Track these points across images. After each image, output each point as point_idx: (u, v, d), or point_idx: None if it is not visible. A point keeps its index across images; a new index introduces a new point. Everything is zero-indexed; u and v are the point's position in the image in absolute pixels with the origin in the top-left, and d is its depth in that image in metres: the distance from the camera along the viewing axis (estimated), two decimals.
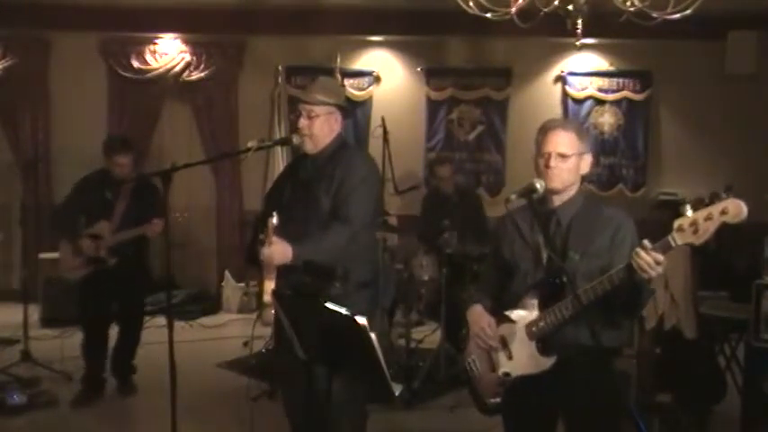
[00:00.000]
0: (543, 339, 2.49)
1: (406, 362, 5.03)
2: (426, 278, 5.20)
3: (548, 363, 2.47)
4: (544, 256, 2.54)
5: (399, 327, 5.54)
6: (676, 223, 2.16)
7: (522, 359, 2.55)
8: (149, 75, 7.30)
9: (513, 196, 2.52)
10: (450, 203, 5.64)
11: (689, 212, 2.15)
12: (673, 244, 2.19)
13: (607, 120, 7.14)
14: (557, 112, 7.19)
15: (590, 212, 2.56)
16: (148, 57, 7.32)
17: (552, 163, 2.51)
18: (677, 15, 3.83)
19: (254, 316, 5.97)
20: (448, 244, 4.92)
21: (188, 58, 7.30)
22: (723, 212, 2.08)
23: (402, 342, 5.27)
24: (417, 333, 5.67)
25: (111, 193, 4.63)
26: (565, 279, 2.43)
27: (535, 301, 2.51)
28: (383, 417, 4.15)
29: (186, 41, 7.31)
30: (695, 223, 2.13)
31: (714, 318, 4.03)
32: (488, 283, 2.80)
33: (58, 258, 4.79)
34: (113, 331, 4.79)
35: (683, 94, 7.03)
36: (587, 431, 2.54)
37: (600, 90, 7.13)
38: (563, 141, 2.52)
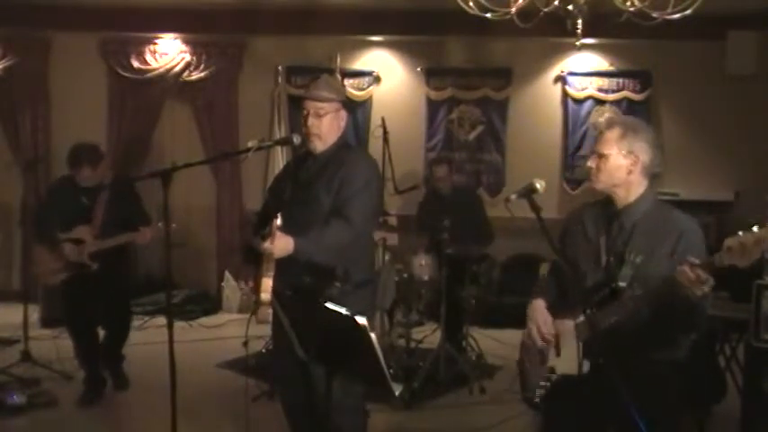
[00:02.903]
0: (588, 342, 2.47)
1: (406, 362, 5.04)
2: (426, 278, 5.20)
3: (586, 366, 2.46)
4: (603, 258, 2.54)
5: (399, 327, 5.53)
6: (726, 243, 2.12)
7: (567, 358, 2.55)
8: (149, 75, 7.30)
9: (514, 196, 2.53)
10: (448, 204, 5.63)
11: (737, 236, 2.12)
12: (717, 264, 2.15)
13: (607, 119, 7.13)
14: (557, 112, 7.19)
15: (657, 216, 2.52)
16: (148, 57, 7.31)
17: (590, 162, 2.57)
18: (677, 15, 3.82)
19: (249, 316, 5.96)
20: (447, 244, 4.92)
21: (188, 58, 7.29)
22: None
23: (402, 342, 5.27)
24: (417, 333, 5.67)
25: (88, 198, 4.58)
26: (621, 284, 2.42)
27: (587, 302, 2.50)
28: (383, 417, 4.15)
29: (186, 41, 7.30)
30: (744, 246, 2.09)
31: (714, 318, 4.02)
32: (554, 279, 2.80)
33: (36, 261, 4.74)
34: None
35: (683, 94, 7.02)
36: None
37: (600, 90, 7.12)
38: (602, 141, 2.56)
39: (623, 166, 2.51)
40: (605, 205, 2.62)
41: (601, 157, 2.53)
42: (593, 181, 2.57)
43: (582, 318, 2.50)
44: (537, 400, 2.66)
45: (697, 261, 2.17)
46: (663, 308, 2.32)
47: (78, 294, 4.60)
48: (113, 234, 4.50)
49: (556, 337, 2.61)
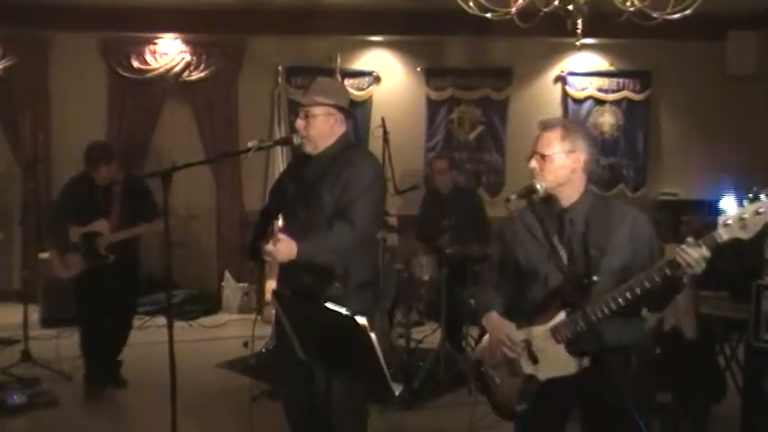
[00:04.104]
0: (573, 341, 2.47)
1: (406, 362, 5.04)
2: (426, 278, 5.20)
3: (578, 364, 2.46)
4: (564, 256, 2.52)
5: (399, 327, 5.53)
6: (721, 219, 2.15)
7: (549, 362, 2.52)
8: (149, 75, 7.30)
9: (514, 196, 2.52)
10: (448, 203, 5.63)
11: (731, 212, 2.14)
12: (719, 240, 2.18)
13: (607, 120, 7.14)
14: (557, 112, 7.19)
15: (602, 209, 2.56)
16: (148, 57, 7.32)
17: (532, 163, 2.56)
18: (677, 15, 3.83)
19: (253, 316, 5.97)
20: (448, 244, 4.92)
21: (188, 58, 7.30)
22: None
23: (402, 342, 5.27)
24: (417, 333, 5.67)
25: (103, 194, 4.70)
26: (595, 279, 2.43)
27: (559, 303, 2.50)
28: (383, 417, 4.15)
29: (186, 41, 7.31)
30: (743, 219, 2.12)
31: (714, 318, 4.03)
32: (499, 287, 2.76)
33: (48, 258, 4.86)
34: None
35: (683, 94, 7.04)
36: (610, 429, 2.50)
37: (600, 90, 7.13)
38: (543, 141, 2.56)
39: (567, 164, 2.53)
40: (547, 206, 2.59)
41: (543, 157, 2.53)
42: (537, 181, 2.55)
43: (558, 320, 2.49)
44: (522, 410, 2.60)
45: (692, 240, 2.20)
46: (652, 292, 2.34)
47: (90, 290, 4.66)
48: (129, 227, 4.65)
49: (525, 345, 2.58)
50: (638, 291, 2.33)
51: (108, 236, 4.62)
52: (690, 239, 2.21)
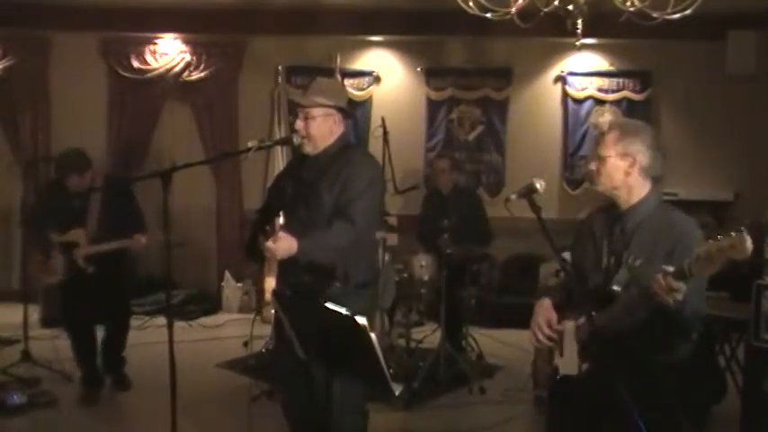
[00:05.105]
0: (583, 344, 2.50)
1: (406, 362, 5.04)
2: (426, 278, 5.20)
3: (581, 366, 2.49)
4: (604, 260, 2.56)
5: (399, 327, 5.53)
6: (695, 253, 2.11)
7: (567, 358, 2.58)
8: (149, 75, 7.30)
9: (514, 196, 2.52)
10: (449, 203, 5.63)
11: (704, 246, 2.12)
12: (688, 273, 2.12)
13: (607, 120, 7.12)
14: (557, 112, 7.20)
15: (658, 219, 2.51)
16: (148, 57, 7.32)
17: (591, 165, 2.60)
18: (677, 15, 3.83)
19: (253, 316, 5.97)
20: (448, 244, 4.92)
21: (188, 58, 7.30)
22: (731, 247, 2.03)
23: (402, 342, 5.27)
24: (417, 333, 5.67)
25: (79, 202, 4.59)
26: (615, 288, 2.42)
27: (588, 304, 2.52)
28: (383, 417, 4.15)
29: (186, 41, 7.31)
30: (709, 254, 2.08)
31: (714, 318, 4.03)
32: (565, 282, 2.83)
33: (34, 262, 4.76)
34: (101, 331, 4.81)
35: (683, 94, 7.03)
36: None
37: (600, 90, 7.13)
38: (602, 143, 2.58)
39: (620, 167, 2.53)
40: (611, 208, 2.64)
41: (600, 159, 2.56)
42: (594, 184, 2.60)
43: (582, 319, 2.52)
44: (537, 394, 2.72)
45: (670, 269, 2.15)
46: (656, 310, 2.30)
47: (76, 295, 4.62)
48: (110, 236, 4.50)
49: (560, 337, 2.62)
50: (634, 307, 2.32)
51: (85, 247, 4.51)
52: (665, 267, 2.17)
